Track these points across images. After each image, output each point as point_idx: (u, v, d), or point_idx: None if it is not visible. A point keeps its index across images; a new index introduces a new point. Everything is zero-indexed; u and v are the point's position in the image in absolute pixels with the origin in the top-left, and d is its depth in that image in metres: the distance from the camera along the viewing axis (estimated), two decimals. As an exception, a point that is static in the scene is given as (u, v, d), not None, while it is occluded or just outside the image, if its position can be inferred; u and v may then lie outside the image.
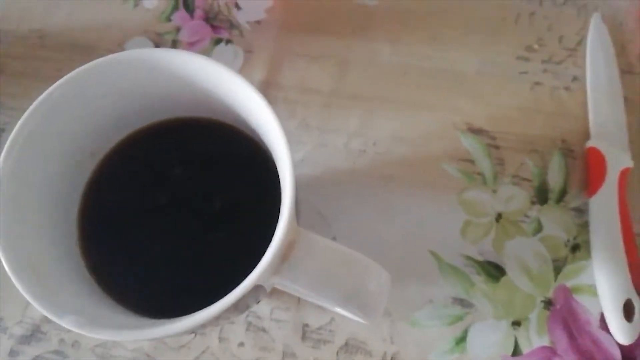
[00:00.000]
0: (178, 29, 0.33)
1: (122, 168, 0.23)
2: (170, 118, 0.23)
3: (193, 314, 0.17)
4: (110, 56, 0.19)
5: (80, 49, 0.34)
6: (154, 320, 0.18)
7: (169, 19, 0.34)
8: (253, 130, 0.21)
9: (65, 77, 0.19)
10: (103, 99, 0.20)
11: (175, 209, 0.23)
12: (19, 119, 0.32)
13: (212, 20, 0.34)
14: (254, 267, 0.19)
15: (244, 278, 0.19)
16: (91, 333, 0.17)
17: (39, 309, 0.17)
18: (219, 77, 0.19)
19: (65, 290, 0.19)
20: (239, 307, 0.19)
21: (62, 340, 0.28)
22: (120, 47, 0.33)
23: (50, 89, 0.19)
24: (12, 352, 0.28)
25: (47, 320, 0.28)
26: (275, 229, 0.20)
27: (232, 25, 0.33)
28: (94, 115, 0.21)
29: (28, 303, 0.29)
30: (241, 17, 0.34)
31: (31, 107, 0.19)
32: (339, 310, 0.23)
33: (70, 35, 0.34)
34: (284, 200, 0.18)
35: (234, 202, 0.23)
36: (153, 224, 0.22)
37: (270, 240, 0.20)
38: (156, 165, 0.23)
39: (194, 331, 0.20)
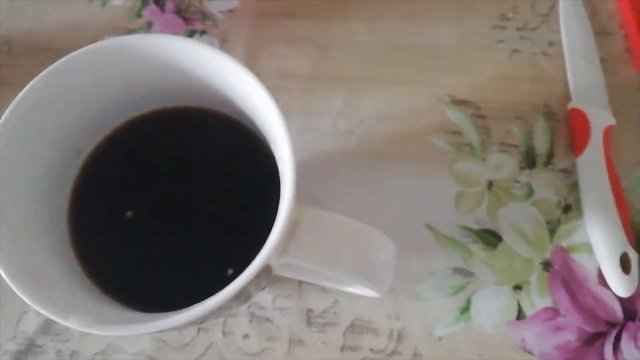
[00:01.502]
0: (150, 24, 0.33)
1: (110, 163, 0.22)
2: (155, 109, 0.22)
3: (202, 302, 0.17)
4: (98, 44, 0.18)
5: (50, 52, 0.32)
6: (158, 314, 0.18)
7: (139, 15, 0.33)
8: (243, 115, 0.21)
9: (46, 70, 0.18)
10: (87, 90, 0.20)
11: (168, 201, 0.22)
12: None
13: (183, 12, 0.33)
14: (255, 254, 0.19)
15: (246, 266, 0.19)
16: (99, 330, 0.16)
17: (43, 312, 0.16)
18: (207, 60, 0.19)
19: (63, 291, 0.18)
20: (242, 294, 0.18)
21: (59, 352, 0.27)
22: (91, 46, 0.32)
23: (31, 83, 0.18)
24: (8, 369, 0.27)
25: (42, 333, 0.27)
26: (273, 213, 0.20)
27: (205, 15, 0.33)
28: (78, 109, 0.20)
29: (20, 317, 0.28)
30: (213, 7, 0.33)
31: (13, 104, 0.18)
32: (347, 288, 0.22)
33: (39, 39, 0.33)
34: (285, 177, 0.17)
35: (228, 189, 0.22)
36: (145, 218, 0.22)
37: (270, 225, 0.20)
38: (144, 157, 0.22)
39: (203, 320, 0.19)
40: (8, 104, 0.31)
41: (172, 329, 0.16)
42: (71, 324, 0.16)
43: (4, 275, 0.17)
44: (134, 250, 0.21)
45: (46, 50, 0.33)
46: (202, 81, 0.20)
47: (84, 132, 0.21)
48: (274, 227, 0.17)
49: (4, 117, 0.18)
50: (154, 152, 0.22)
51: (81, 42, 0.32)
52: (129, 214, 0.22)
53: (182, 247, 0.21)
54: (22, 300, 0.28)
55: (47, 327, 0.27)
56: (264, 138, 0.21)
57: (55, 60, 0.32)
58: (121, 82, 0.20)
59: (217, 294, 0.16)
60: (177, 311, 0.17)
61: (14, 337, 0.28)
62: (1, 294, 0.28)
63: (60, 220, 0.21)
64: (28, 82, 0.31)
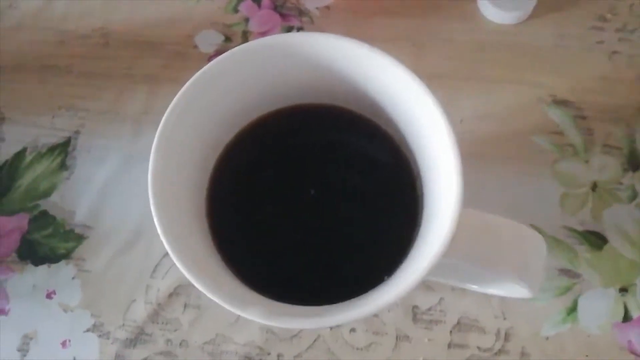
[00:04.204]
0: (246, 20, 0.33)
1: (247, 156, 0.22)
2: (292, 105, 0.22)
3: (370, 296, 0.17)
4: (261, 40, 0.19)
5: (147, 45, 0.33)
6: (323, 307, 0.18)
7: (236, 10, 0.33)
8: (382, 115, 0.21)
9: (201, 71, 0.18)
10: (240, 85, 0.20)
11: (303, 197, 0.22)
12: (92, 120, 0.32)
13: (280, 8, 0.33)
14: (395, 253, 0.19)
15: (387, 265, 0.19)
16: (279, 323, 0.16)
17: (222, 304, 0.17)
18: (364, 59, 0.19)
19: (227, 284, 0.18)
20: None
21: (169, 341, 0.28)
22: (189, 40, 0.33)
23: (197, 74, 0.18)
24: (118, 357, 0.28)
25: (151, 322, 0.28)
26: (408, 213, 0.20)
27: (301, 12, 0.33)
28: (226, 102, 0.20)
29: (128, 306, 0.29)
30: (309, 4, 0.33)
31: (175, 99, 0.19)
32: (490, 289, 0.23)
33: (135, 32, 0.33)
34: (450, 178, 0.18)
35: (362, 187, 0.22)
36: (282, 213, 0.22)
37: (406, 225, 0.20)
38: (280, 152, 0.23)
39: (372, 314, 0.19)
40: (107, 96, 0.32)
41: (346, 322, 0.17)
42: (251, 315, 0.16)
43: (181, 269, 0.17)
44: (271, 244, 0.22)
45: (143, 43, 0.33)
46: (350, 80, 0.20)
47: (225, 125, 0.21)
48: (441, 228, 0.17)
49: (172, 103, 0.18)
50: (290, 147, 0.22)
51: (178, 36, 0.33)
52: (265, 209, 0.22)
53: (319, 246, 0.22)
54: (130, 288, 0.29)
55: (155, 315, 0.28)
56: (405, 143, 0.21)
57: (152, 54, 0.32)
58: (272, 78, 0.20)
59: (386, 289, 0.17)
60: (345, 303, 0.17)
61: (123, 325, 0.28)
62: (110, 282, 0.29)
63: (201, 212, 0.21)
64: (126, 73, 0.32)
